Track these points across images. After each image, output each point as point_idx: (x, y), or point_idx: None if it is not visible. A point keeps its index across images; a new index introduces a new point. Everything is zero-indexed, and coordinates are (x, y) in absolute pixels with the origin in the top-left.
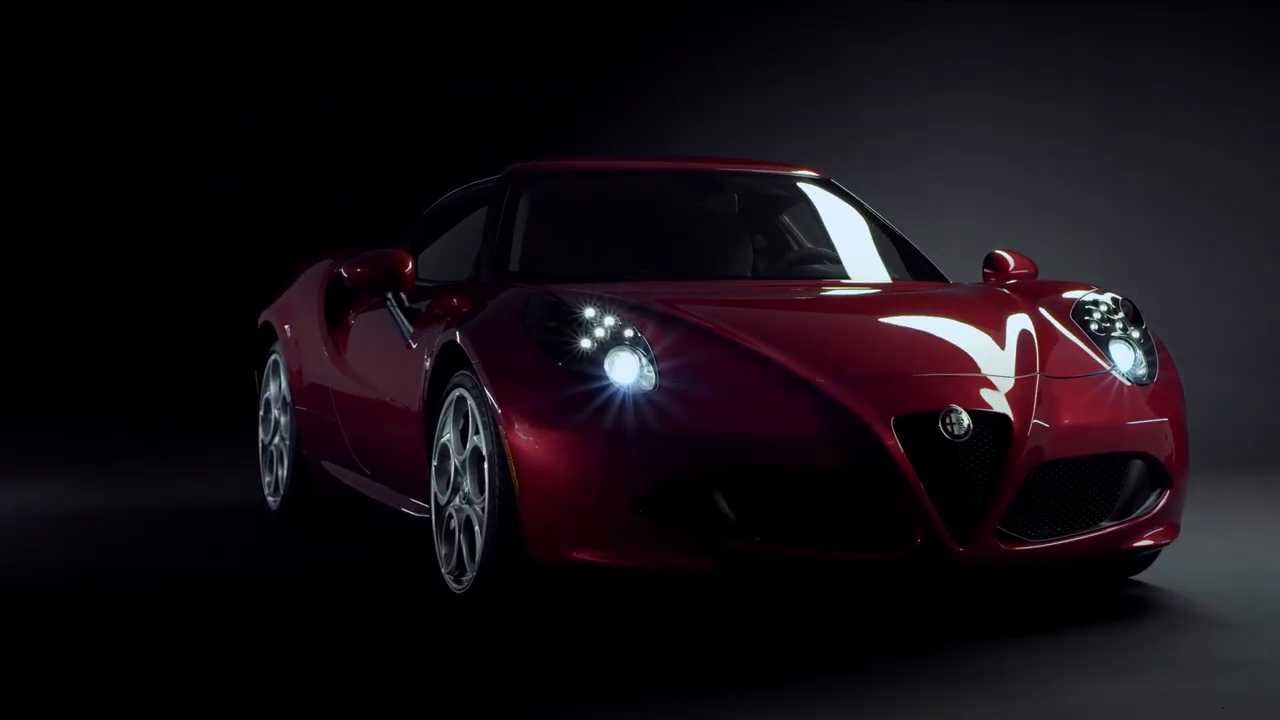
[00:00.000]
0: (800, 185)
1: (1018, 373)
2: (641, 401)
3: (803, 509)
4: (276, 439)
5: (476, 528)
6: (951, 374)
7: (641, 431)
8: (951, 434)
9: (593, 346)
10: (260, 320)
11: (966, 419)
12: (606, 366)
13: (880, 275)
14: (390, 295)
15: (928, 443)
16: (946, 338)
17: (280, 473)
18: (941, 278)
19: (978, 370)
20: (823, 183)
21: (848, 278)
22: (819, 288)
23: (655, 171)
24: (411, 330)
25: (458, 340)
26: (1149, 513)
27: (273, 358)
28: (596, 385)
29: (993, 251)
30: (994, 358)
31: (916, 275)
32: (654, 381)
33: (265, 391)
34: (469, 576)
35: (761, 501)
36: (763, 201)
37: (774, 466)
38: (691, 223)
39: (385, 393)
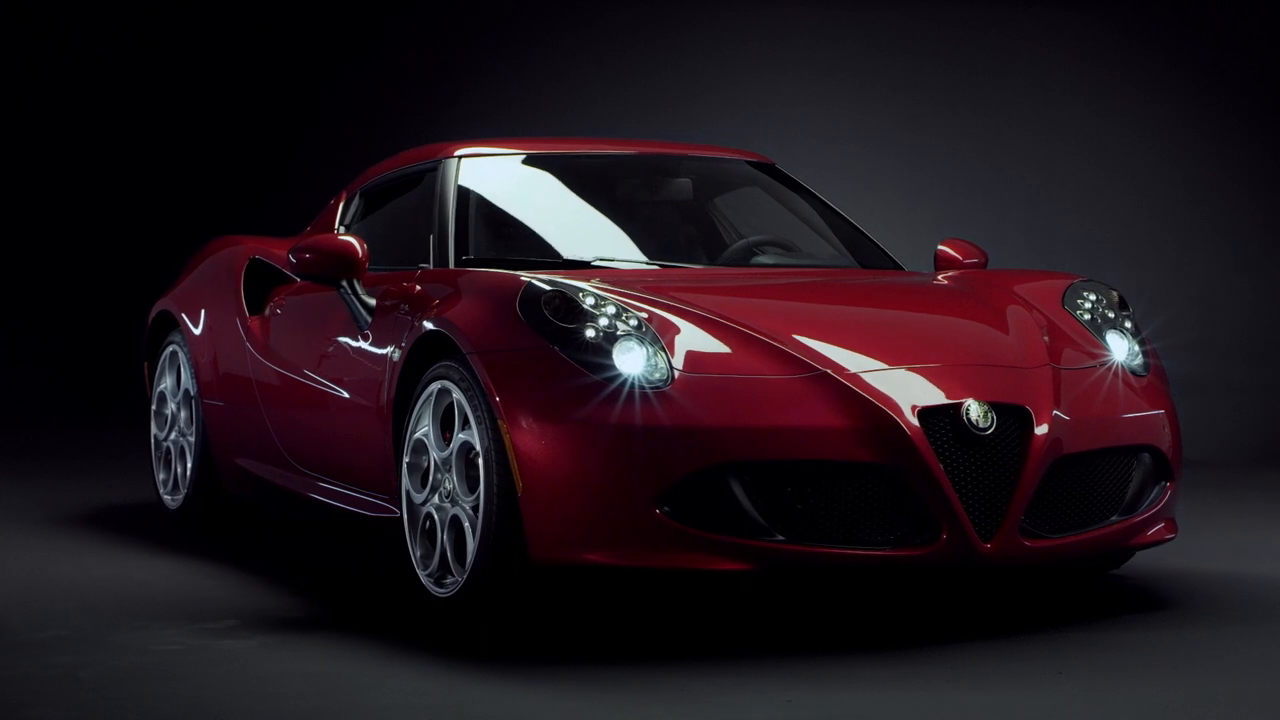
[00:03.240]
0: (744, 170)
1: (1033, 363)
2: (657, 394)
3: (827, 505)
4: (173, 434)
5: (466, 527)
6: (972, 364)
7: (660, 425)
8: (976, 426)
9: (597, 336)
10: (155, 311)
11: (991, 411)
12: (615, 356)
13: (838, 263)
14: (344, 283)
15: (952, 436)
16: (957, 328)
17: (179, 470)
18: (897, 265)
19: (996, 361)
20: (766, 168)
21: (810, 265)
22: (809, 276)
23: (607, 155)
24: (369, 320)
25: (442, 330)
26: (1154, 507)
27: (170, 349)
28: (607, 376)
29: (943, 241)
30: (1008, 348)
31: (867, 263)
32: (666, 373)
33: (159, 385)
34: (455, 579)
35: (785, 498)
36: (708, 187)
37: (797, 461)
38: (650, 208)
39: (333, 385)
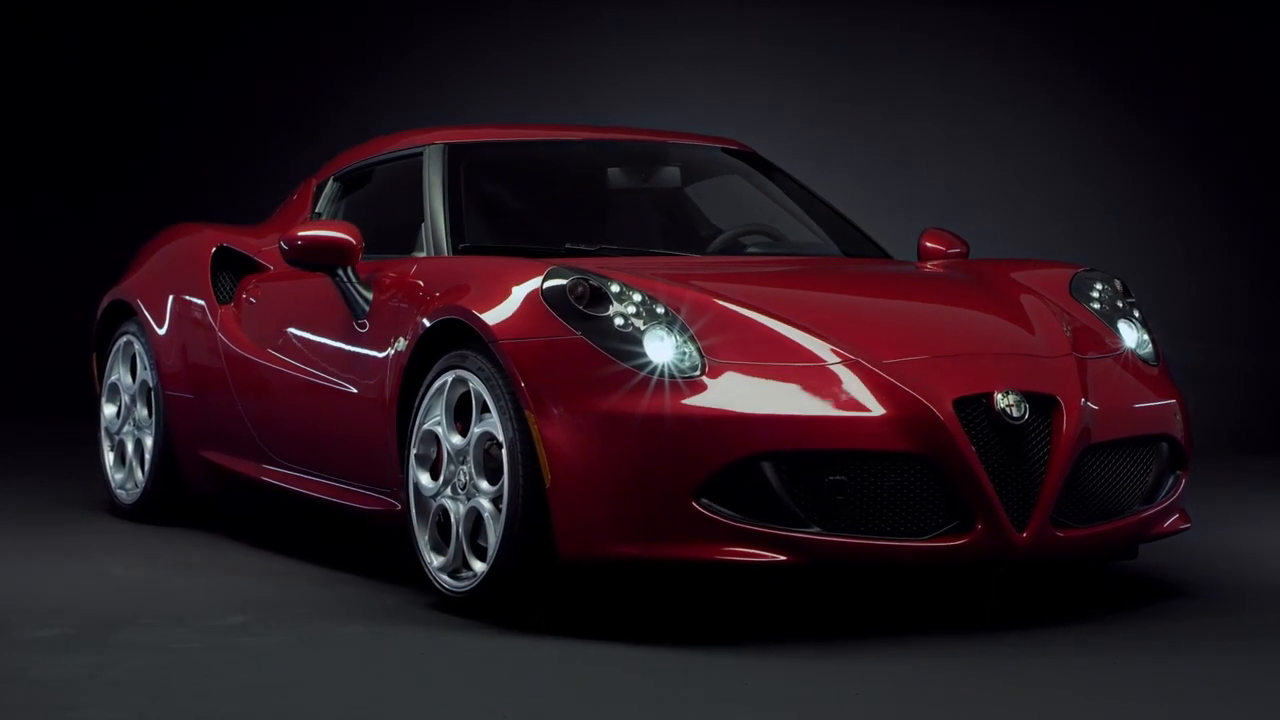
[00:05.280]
0: (723, 158)
1: (1058, 353)
2: (688, 383)
3: (863, 495)
4: (127, 427)
5: (486, 519)
6: (1000, 354)
7: (695, 415)
8: (1009, 416)
9: (626, 324)
10: (107, 300)
11: (1024, 401)
12: (646, 344)
13: (830, 251)
14: (341, 271)
15: (987, 425)
16: (981, 317)
17: (135, 464)
18: (885, 254)
19: (1023, 350)
20: (745, 155)
21: (811, 254)
22: (819, 265)
23: (595, 142)
24: (367, 309)
25: (459, 318)
26: (1171, 497)
27: (123, 339)
28: (637, 364)
29: (925, 231)
30: (1033, 338)
31: (853, 251)
32: (696, 361)
33: (110, 377)
34: (473, 573)
35: (822, 488)
36: (687, 174)
37: (833, 451)
38: (634, 195)
39: (324, 375)
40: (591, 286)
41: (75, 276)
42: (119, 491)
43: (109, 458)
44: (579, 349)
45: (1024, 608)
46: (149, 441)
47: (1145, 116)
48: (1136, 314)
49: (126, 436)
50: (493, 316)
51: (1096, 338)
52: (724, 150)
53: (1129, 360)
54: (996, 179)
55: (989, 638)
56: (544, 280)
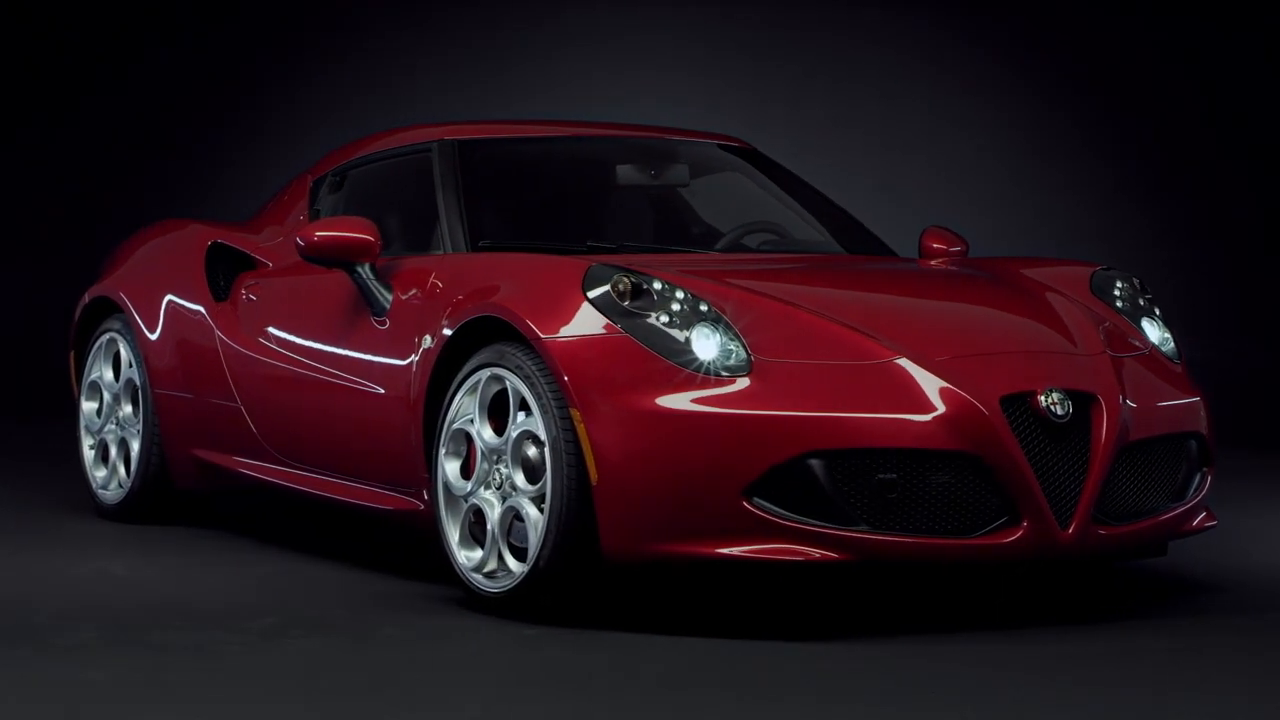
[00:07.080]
0: (723, 155)
1: (1094, 351)
2: (738, 380)
3: (912, 493)
4: (110, 426)
5: (527, 518)
6: (1043, 352)
7: (743, 413)
8: (1054, 414)
9: (671, 321)
10: (89, 296)
11: (1067, 399)
12: (693, 343)
13: (830, 249)
14: (361, 268)
15: (1032, 423)
16: (1016, 316)
17: (119, 463)
18: (891, 251)
19: (1061, 348)
20: (745, 152)
21: (810, 251)
22: (846, 263)
23: (604, 139)
24: (387, 306)
25: (498, 315)
26: (1199, 494)
27: (106, 337)
28: (683, 361)
29: (926, 230)
30: (1068, 336)
31: (858, 249)
32: (743, 359)
33: (90, 375)
34: (510, 574)
35: (871, 486)
36: (690, 170)
37: (884, 450)
38: (636, 191)
39: (339, 373)
40: (633, 284)
41: (51, 274)
42: (101, 491)
43: (89, 456)
44: (625, 347)
45: (1031, 607)
46: (135, 441)
47: (1078, 119)
48: (1157, 312)
49: (109, 435)
50: (535, 314)
51: (1123, 336)
52: (725, 147)
53: (1155, 358)
54: (928, 179)
55: (1003, 635)
56: (586, 277)
